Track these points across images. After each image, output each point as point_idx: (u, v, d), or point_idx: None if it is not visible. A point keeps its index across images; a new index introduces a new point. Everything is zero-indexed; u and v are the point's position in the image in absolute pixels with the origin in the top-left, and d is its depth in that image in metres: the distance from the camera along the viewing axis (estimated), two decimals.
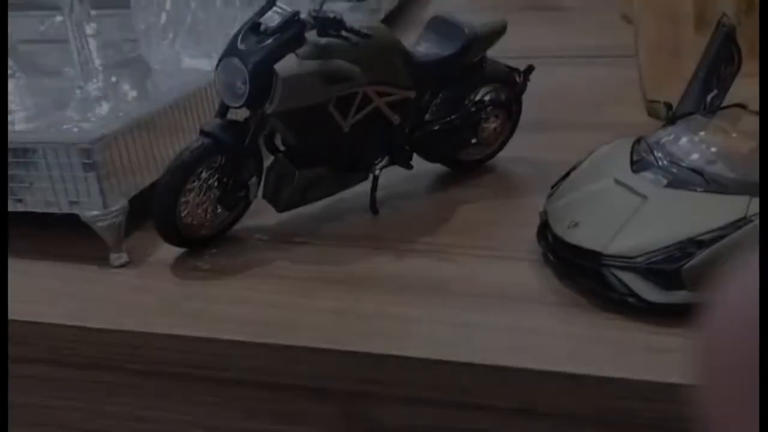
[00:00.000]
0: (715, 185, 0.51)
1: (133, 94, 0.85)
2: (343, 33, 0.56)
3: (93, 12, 1.11)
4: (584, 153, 0.73)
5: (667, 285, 0.48)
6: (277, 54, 0.56)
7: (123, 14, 1.03)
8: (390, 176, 0.70)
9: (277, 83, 0.56)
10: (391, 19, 1.36)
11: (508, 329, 0.50)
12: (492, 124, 0.72)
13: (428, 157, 0.71)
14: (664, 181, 0.53)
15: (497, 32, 0.69)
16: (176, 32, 0.97)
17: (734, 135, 0.57)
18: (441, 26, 0.69)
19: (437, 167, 0.74)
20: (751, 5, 0.80)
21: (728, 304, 0.18)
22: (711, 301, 0.18)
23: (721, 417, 0.17)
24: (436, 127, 0.69)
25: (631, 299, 0.49)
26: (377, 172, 0.67)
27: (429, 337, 0.50)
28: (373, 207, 0.68)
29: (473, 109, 0.70)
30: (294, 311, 0.54)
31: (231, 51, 0.57)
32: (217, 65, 0.58)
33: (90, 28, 1.09)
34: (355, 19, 0.59)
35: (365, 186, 0.68)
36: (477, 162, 0.75)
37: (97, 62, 0.97)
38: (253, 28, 0.58)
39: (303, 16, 0.57)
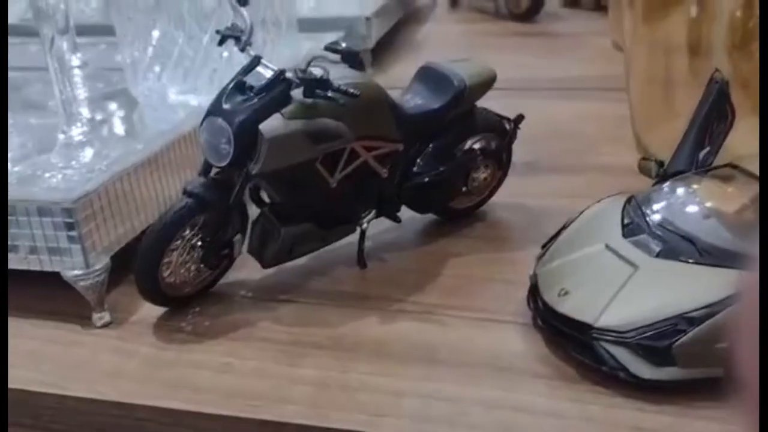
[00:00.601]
0: (707, 257, 0.50)
1: (119, 134, 0.84)
2: (330, 93, 0.55)
3: (81, 40, 1.10)
4: (576, 199, 0.72)
5: (657, 361, 0.48)
6: (263, 114, 0.55)
7: (112, 42, 1.02)
8: (377, 224, 0.69)
9: (262, 144, 0.55)
10: (381, 46, 1.35)
11: (497, 406, 0.49)
12: (482, 174, 0.71)
13: (417, 208, 0.70)
14: (656, 250, 0.52)
15: (486, 83, 0.68)
16: (163, 66, 0.96)
17: (727, 198, 0.56)
18: (430, 77, 0.68)
19: (426, 215, 0.73)
20: (745, 40, 0.79)
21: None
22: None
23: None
24: (425, 179, 0.68)
25: (621, 374, 0.49)
26: (365, 225, 0.66)
27: (417, 413, 0.49)
28: (361, 261, 0.67)
29: (463, 159, 0.69)
30: (278, 380, 0.53)
31: (215, 110, 0.56)
32: (201, 123, 0.57)
33: (76, 59, 1.08)
34: (341, 76, 0.58)
35: (352, 236, 0.67)
36: (467, 210, 0.74)
37: (83, 95, 0.96)
38: (239, 86, 0.57)
39: (289, 75, 0.56)
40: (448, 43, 1.54)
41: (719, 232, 0.52)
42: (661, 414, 0.47)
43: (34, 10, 0.81)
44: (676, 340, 0.47)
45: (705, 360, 0.47)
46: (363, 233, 0.66)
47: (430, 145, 0.68)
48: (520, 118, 0.72)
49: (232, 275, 0.65)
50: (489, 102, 0.71)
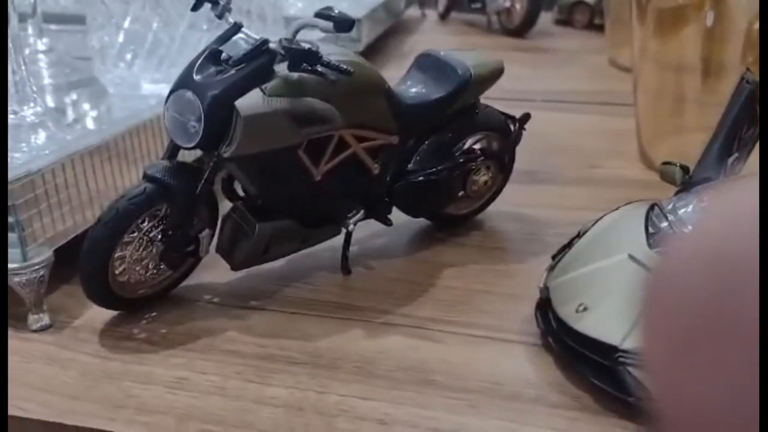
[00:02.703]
0: None
1: (80, 120, 0.75)
2: (319, 68, 0.48)
3: (52, 27, 1.02)
4: (580, 211, 0.65)
5: None
6: (240, 88, 0.47)
7: (84, 31, 0.94)
8: (363, 228, 0.61)
9: (238, 123, 0.47)
10: (372, 50, 1.29)
11: None
12: (482, 177, 0.64)
13: (410, 211, 0.63)
14: None
15: (493, 75, 0.61)
16: (135, 53, 0.88)
17: None
18: (431, 65, 0.61)
19: (419, 219, 0.66)
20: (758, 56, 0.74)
21: (678, 256, 0.15)
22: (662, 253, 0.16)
23: (663, 370, 0.15)
24: (420, 178, 0.60)
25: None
26: (351, 227, 0.58)
27: None
28: (345, 267, 0.59)
29: (462, 159, 0.62)
30: (242, 401, 0.44)
31: (184, 82, 0.48)
32: (167, 98, 0.49)
33: (42, 44, 0.99)
34: (332, 51, 0.51)
35: (336, 239, 0.59)
36: (463, 216, 0.67)
37: (48, 81, 0.87)
38: (213, 56, 0.49)
39: (273, 45, 0.48)
40: None
41: None
42: None
43: None
44: None
45: None
46: (349, 236, 0.58)
47: (428, 141, 0.61)
48: (527, 117, 0.66)
49: (198, 277, 0.56)
50: None
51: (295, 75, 0.49)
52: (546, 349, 0.48)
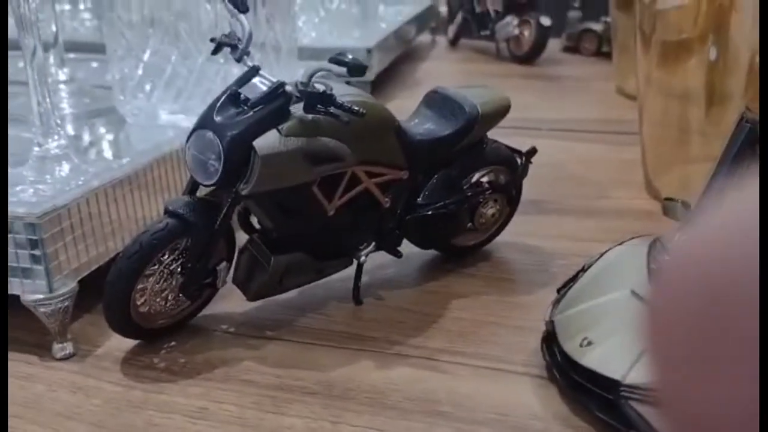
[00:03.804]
0: None
1: (100, 151, 0.78)
2: (333, 110, 0.50)
3: (71, 55, 1.05)
4: (588, 243, 0.67)
5: None
6: (258, 129, 0.50)
7: (103, 59, 0.97)
8: (374, 259, 0.63)
9: (255, 162, 0.50)
10: (383, 77, 1.32)
11: None
12: (490, 209, 0.66)
13: (419, 243, 0.65)
14: None
15: (500, 112, 0.63)
16: (153, 85, 0.91)
17: None
18: (440, 102, 0.63)
19: (428, 251, 0.68)
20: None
21: (681, 260, 0.15)
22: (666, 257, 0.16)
23: (671, 379, 0.15)
24: (429, 212, 0.62)
25: None
26: (363, 258, 0.60)
27: None
28: (357, 298, 0.61)
29: (470, 193, 0.64)
30: (260, 430, 0.46)
31: (205, 123, 0.51)
32: (189, 137, 0.52)
33: (63, 74, 1.02)
34: (345, 92, 0.53)
35: (347, 270, 0.61)
36: (472, 248, 0.69)
37: (68, 111, 0.90)
38: (232, 98, 0.51)
39: (289, 88, 0.51)
40: (448, 80, 1.51)
41: None
42: None
43: (17, 18, 0.76)
44: None
45: None
46: (360, 267, 0.60)
47: (437, 176, 0.63)
48: (533, 151, 0.68)
49: (214, 307, 0.58)
50: None
51: (310, 116, 0.51)
52: (551, 381, 0.50)
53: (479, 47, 1.70)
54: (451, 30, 1.75)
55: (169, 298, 0.54)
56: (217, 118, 0.50)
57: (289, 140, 0.50)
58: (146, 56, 0.92)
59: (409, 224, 0.62)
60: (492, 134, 0.66)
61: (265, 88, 0.50)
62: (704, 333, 0.14)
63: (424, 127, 0.61)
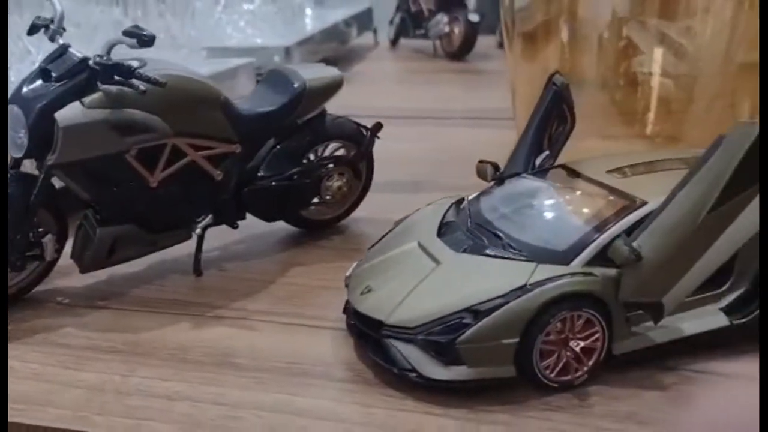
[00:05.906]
0: (510, 251, 0.47)
1: None
2: (133, 81, 0.53)
3: None
4: None
5: (446, 360, 0.43)
6: (60, 101, 0.52)
7: None
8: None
9: (58, 132, 0.52)
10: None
11: (275, 411, 0.44)
12: (336, 183, 0.68)
13: (262, 215, 0.67)
14: (464, 246, 0.49)
15: (330, 87, 0.66)
16: None
17: (550, 196, 0.53)
18: (275, 79, 0.66)
19: (288, 226, 0.70)
20: (617, 61, 0.77)
21: None
22: None
23: None
24: (271, 184, 0.64)
25: (412, 375, 0.44)
26: (199, 230, 0.62)
27: (186, 418, 0.44)
28: (197, 269, 0.63)
29: (313, 165, 0.66)
30: (53, 384, 0.48)
31: (13, 98, 0.53)
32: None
33: None
34: (161, 67, 0.56)
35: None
36: (328, 222, 0.71)
37: None
38: (41, 74, 0.54)
39: (92, 62, 0.53)
40: (382, 79, 1.55)
41: (529, 228, 0.48)
42: (446, 417, 0.43)
43: None
44: (461, 335, 0.43)
45: (493, 358, 0.43)
46: (200, 239, 0.63)
47: (277, 149, 0.65)
48: (379, 126, 0.70)
49: (56, 283, 0.61)
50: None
51: (114, 88, 0.53)
52: (350, 334, 0.52)
53: (417, 46, 1.73)
54: (391, 30, 1.78)
55: None
56: (24, 93, 0.53)
57: (93, 111, 0.53)
58: None
59: (247, 196, 0.64)
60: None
61: (69, 63, 0.53)
62: None
63: (255, 102, 0.64)
